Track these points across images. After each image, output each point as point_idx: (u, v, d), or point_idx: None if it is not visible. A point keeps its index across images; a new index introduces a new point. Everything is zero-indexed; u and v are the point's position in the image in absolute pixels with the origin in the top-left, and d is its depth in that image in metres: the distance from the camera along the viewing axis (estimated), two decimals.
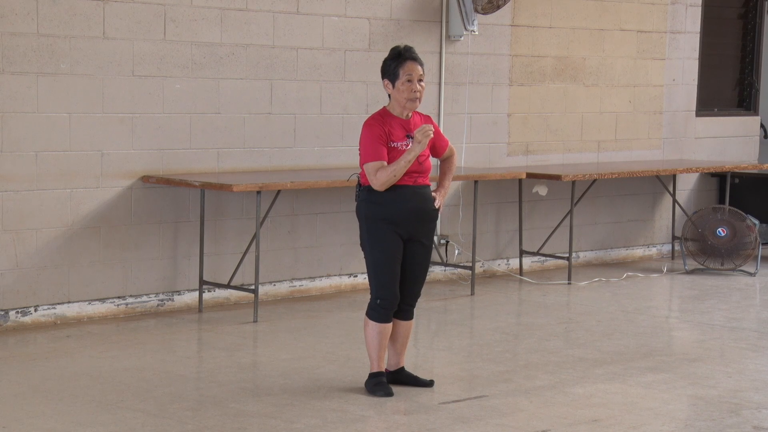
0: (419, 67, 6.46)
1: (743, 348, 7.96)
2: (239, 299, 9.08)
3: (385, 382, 6.60)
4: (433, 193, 6.61)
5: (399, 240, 6.51)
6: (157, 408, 6.23)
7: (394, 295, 6.52)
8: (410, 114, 6.54)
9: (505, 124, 10.66)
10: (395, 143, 6.45)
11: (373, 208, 6.48)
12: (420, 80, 6.45)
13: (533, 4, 10.68)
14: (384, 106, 6.58)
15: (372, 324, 6.56)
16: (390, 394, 6.54)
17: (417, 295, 6.69)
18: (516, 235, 10.78)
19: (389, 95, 6.53)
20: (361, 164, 6.48)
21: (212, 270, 8.92)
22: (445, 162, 6.82)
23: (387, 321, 6.56)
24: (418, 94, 6.45)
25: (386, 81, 6.49)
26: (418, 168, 6.49)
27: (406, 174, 6.44)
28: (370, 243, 6.51)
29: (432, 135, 6.41)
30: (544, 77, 10.87)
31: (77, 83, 8.18)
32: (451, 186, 10.07)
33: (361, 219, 6.54)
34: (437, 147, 6.70)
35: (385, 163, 6.40)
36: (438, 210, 6.63)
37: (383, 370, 6.64)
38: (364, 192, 6.52)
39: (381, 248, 6.48)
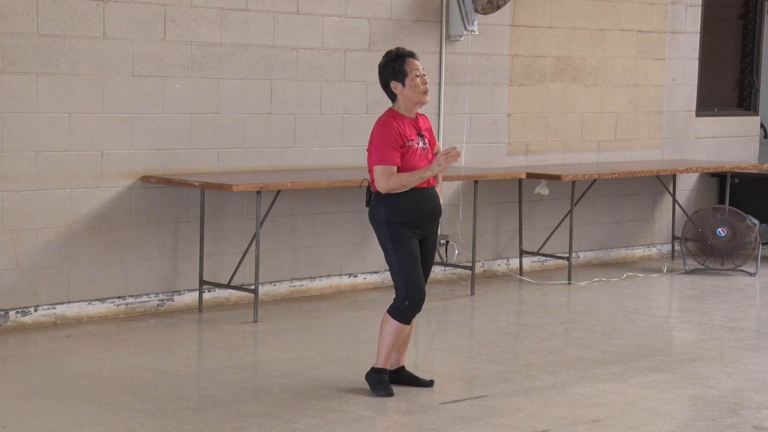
0: (419, 63, 6.53)
1: (743, 348, 7.96)
2: (239, 299, 9.08)
3: (387, 381, 6.61)
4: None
5: (417, 241, 6.53)
6: (157, 408, 6.23)
7: (423, 295, 6.53)
8: (416, 112, 6.58)
9: (505, 124, 10.66)
10: (411, 142, 6.47)
11: (391, 213, 6.47)
12: (424, 74, 6.51)
13: (533, 4, 10.68)
14: (390, 108, 6.58)
15: (393, 323, 6.55)
16: (390, 394, 6.54)
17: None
18: (516, 235, 10.78)
19: (395, 97, 6.54)
20: (372, 164, 6.49)
21: (212, 270, 8.92)
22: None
23: (409, 323, 6.57)
24: (428, 86, 6.53)
25: (394, 82, 6.49)
26: None
27: None
28: (393, 246, 6.49)
29: (457, 160, 6.49)
30: (544, 77, 10.87)
31: (77, 83, 8.18)
32: (452, 186, 10.14)
33: (380, 224, 6.51)
34: (431, 145, 6.74)
35: (396, 170, 6.42)
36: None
37: (387, 368, 6.65)
38: (380, 197, 6.50)
39: (406, 249, 6.47)
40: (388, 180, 6.40)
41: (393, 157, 6.41)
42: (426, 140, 6.57)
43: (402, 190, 6.42)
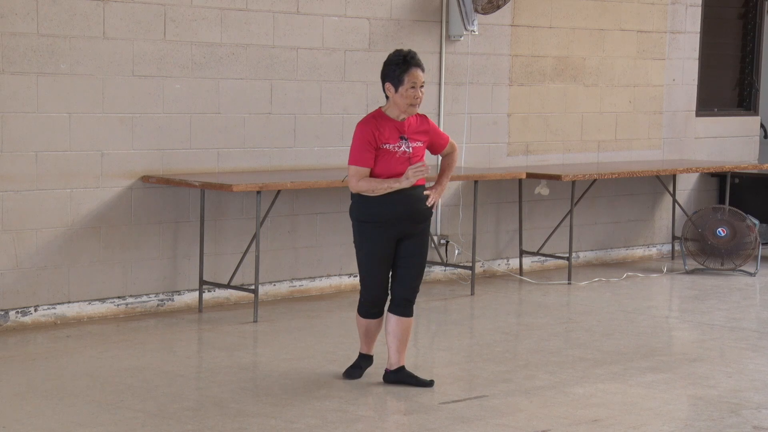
0: (422, 74, 6.53)
1: (743, 348, 7.96)
2: (239, 299, 9.08)
3: (358, 366, 6.86)
4: (426, 192, 6.62)
5: (389, 241, 6.59)
6: (157, 408, 6.23)
7: (377, 296, 6.70)
8: (405, 117, 6.59)
9: (505, 124, 10.66)
10: (388, 145, 6.50)
11: (364, 211, 6.57)
12: (421, 86, 6.50)
13: (533, 4, 10.68)
14: (379, 107, 6.63)
15: (356, 314, 6.84)
16: (351, 377, 6.82)
17: (415, 290, 6.72)
18: (516, 235, 10.78)
19: (387, 97, 6.56)
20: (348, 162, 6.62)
21: (212, 270, 8.92)
22: (446, 158, 6.86)
23: (371, 318, 6.78)
24: (419, 100, 6.53)
25: (389, 84, 6.52)
26: None
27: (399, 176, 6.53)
28: (359, 243, 6.67)
29: (425, 176, 6.51)
30: (544, 77, 10.87)
31: (77, 83, 8.18)
32: (451, 186, 10.12)
33: (353, 219, 6.67)
34: (435, 145, 6.75)
35: (368, 171, 6.50)
36: (431, 209, 6.64)
37: (368, 353, 6.88)
38: (359, 194, 6.58)
39: (369, 249, 6.61)
40: (358, 182, 6.51)
41: (366, 158, 6.50)
42: (410, 144, 6.55)
43: (370, 194, 6.48)
